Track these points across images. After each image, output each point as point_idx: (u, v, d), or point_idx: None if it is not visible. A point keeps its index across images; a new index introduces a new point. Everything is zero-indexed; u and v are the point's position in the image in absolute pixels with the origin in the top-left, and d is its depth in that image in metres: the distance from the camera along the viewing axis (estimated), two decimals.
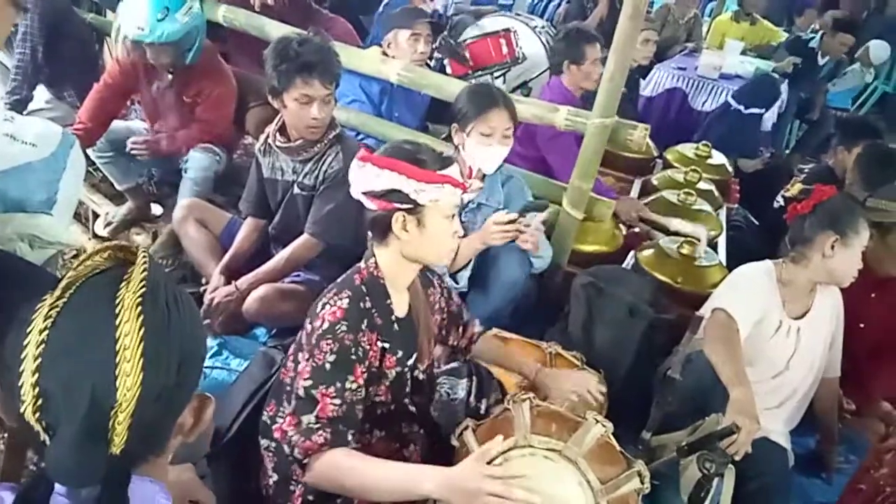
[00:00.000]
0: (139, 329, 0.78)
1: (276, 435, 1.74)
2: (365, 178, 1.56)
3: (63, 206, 2.00)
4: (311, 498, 1.66)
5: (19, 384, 0.77)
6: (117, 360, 0.77)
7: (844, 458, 2.48)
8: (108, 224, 3.37)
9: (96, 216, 3.46)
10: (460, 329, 2.02)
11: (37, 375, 0.76)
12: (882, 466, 1.96)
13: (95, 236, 3.37)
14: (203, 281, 2.85)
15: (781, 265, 2.29)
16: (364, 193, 1.58)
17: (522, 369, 2.03)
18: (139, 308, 0.79)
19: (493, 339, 2.11)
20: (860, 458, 2.44)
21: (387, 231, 1.61)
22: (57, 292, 0.80)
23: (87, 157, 2.44)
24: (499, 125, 2.36)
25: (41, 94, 3.62)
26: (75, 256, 3.41)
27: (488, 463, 1.43)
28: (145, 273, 0.82)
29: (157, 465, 0.89)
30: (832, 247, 2.13)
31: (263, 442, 1.78)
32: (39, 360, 0.76)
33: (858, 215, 2.18)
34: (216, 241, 2.76)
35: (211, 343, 2.46)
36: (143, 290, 0.80)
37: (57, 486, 0.81)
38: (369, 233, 1.67)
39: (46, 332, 0.77)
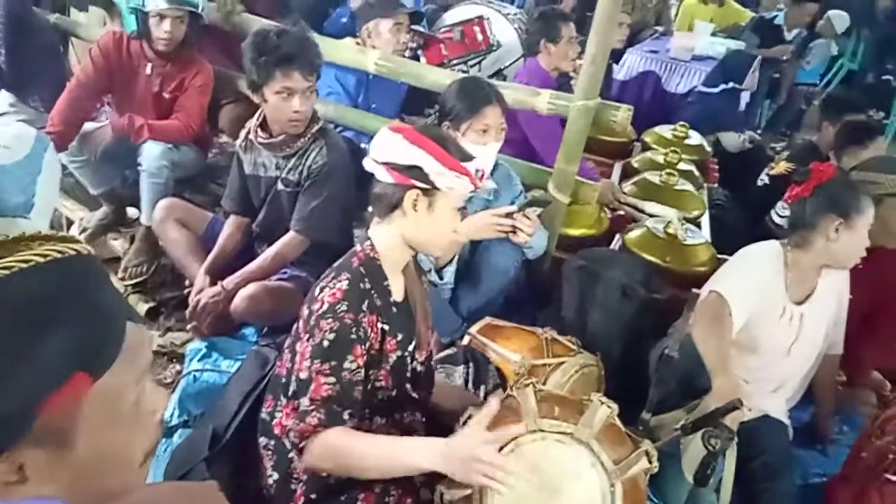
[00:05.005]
0: None
1: (277, 430, 1.71)
2: (391, 149, 1.57)
3: (41, 209, 1.97)
4: (313, 496, 1.62)
5: None
6: None
7: (839, 429, 2.48)
8: (84, 230, 3.28)
9: (70, 223, 3.37)
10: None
11: None
12: (885, 434, 1.96)
13: None
14: (186, 283, 2.79)
15: (787, 248, 2.20)
16: (384, 163, 1.57)
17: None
18: None
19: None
20: (853, 428, 2.46)
21: (394, 207, 1.60)
22: None
23: None
24: (494, 122, 2.30)
25: (4, 98, 3.50)
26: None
27: (499, 450, 1.41)
28: None
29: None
30: (836, 230, 2.06)
31: (262, 440, 1.74)
32: None
33: (861, 194, 2.10)
34: (198, 242, 2.70)
35: (199, 345, 2.40)
36: None
37: None
38: (370, 209, 1.66)
39: None
